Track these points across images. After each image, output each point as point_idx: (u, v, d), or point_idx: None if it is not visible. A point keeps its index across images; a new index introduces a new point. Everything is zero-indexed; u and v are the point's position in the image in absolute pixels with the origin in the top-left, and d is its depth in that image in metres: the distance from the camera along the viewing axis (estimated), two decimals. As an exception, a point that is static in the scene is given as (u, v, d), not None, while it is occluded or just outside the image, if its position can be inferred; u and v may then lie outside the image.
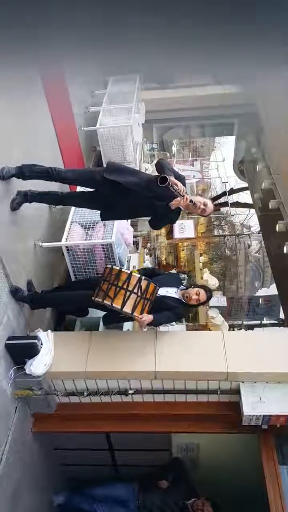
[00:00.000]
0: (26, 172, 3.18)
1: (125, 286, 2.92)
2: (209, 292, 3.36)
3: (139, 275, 2.99)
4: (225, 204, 9.61)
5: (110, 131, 5.38)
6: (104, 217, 3.43)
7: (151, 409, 3.44)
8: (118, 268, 3.05)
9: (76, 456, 4.27)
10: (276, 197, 6.18)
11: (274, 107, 6.28)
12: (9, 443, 3.14)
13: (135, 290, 2.93)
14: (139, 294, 2.93)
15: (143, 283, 2.95)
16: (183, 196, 2.89)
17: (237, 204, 9.94)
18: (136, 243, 6.30)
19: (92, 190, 3.36)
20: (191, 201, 2.99)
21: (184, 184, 3.14)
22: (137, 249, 6.31)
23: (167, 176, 2.76)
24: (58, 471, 4.31)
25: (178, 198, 2.93)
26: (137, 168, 5.11)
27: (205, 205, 3.09)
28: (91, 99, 6.08)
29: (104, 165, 3.46)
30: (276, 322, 9.15)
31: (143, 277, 2.99)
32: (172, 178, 2.86)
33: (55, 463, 4.19)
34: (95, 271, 3.89)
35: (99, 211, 3.38)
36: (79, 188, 3.85)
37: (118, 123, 5.40)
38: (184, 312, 3.46)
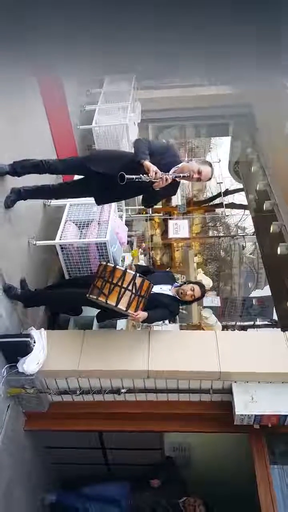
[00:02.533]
0: (18, 168, 3.17)
1: (119, 283, 2.91)
2: (203, 289, 3.36)
3: (133, 272, 2.97)
4: (220, 205, 9.63)
5: (106, 130, 5.37)
6: (99, 202, 3.40)
7: (143, 408, 3.44)
8: (112, 265, 3.03)
9: (68, 454, 4.26)
10: (270, 198, 6.21)
11: (269, 108, 6.30)
12: (1, 441, 3.13)
13: (130, 287, 2.91)
14: (134, 291, 2.92)
15: (138, 280, 2.94)
16: (160, 178, 2.69)
17: (232, 205, 9.98)
18: (130, 243, 6.31)
19: (83, 178, 3.33)
20: (176, 176, 2.84)
21: (173, 153, 2.98)
22: (132, 248, 6.31)
23: (124, 174, 2.53)
24: (50, 470, 4.29)
25: (158, 181, 2.71)
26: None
27: (199, 172, 2.90)
28: (86, 98, 6.07)
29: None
30: (269, 323, 9.20)
31: (138, 274, 2.98)
32: (146, 162, 2.68)
33: (47, 461, 4.17)
34: (89, 269, 3.88)
35: (93, 205, 3.34)
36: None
37: (114, 122, 5.40)
38: (178, 309, 3.46)
